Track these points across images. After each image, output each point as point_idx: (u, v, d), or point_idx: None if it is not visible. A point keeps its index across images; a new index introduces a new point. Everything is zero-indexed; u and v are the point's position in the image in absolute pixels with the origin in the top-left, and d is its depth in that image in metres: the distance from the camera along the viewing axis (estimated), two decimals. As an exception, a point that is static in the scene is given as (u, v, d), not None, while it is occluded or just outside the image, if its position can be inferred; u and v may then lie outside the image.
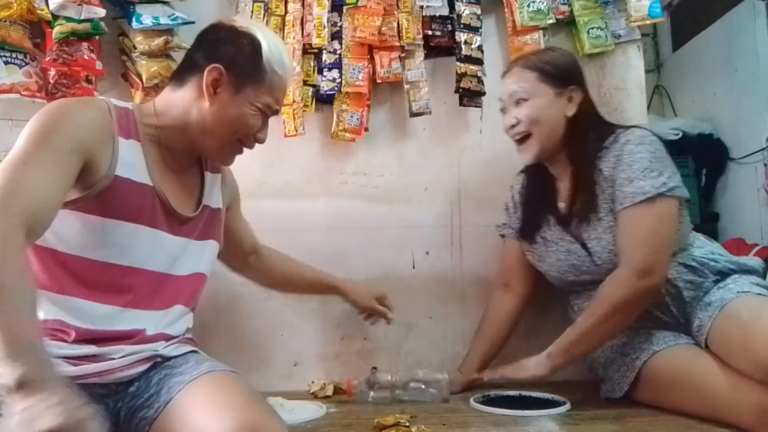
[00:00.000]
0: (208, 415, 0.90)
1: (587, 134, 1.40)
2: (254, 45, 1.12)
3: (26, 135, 0.96)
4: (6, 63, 1.50)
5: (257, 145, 1.19)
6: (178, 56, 1.61)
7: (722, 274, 1.35)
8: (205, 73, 1.09)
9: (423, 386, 1.43)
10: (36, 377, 0.74)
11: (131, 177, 1.06)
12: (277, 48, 1.15)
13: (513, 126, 1.42)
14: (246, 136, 1.15)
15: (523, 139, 1.42)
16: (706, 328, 1.26)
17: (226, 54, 1.11)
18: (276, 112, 1.19)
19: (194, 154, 1.20)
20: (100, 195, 1.02)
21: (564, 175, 1.45)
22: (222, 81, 1.10)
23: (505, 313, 1.58)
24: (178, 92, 1.14)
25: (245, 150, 1.19)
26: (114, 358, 1.02)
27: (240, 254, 1.44)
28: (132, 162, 1.07)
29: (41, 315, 0.99)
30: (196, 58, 1.13)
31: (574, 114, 1.40)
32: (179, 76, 1.15)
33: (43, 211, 0.91)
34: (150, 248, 1.09)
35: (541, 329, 1.68)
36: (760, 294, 1.28)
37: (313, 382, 1.54)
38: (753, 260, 1.43)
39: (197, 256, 1.18)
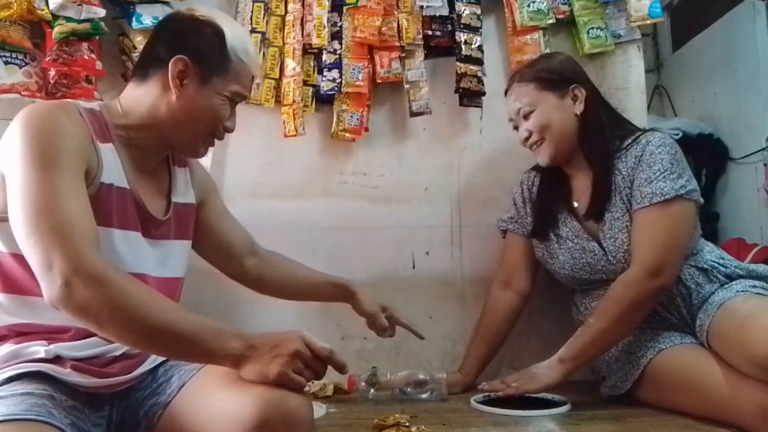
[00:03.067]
0: (229, 394, 0.91)
1: (602, 128, 1.42)
2: (217, 34, 1.09)
3: (31, 159, 0.92)
4: (6, 63, 1.50)
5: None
6: (178, 56, 1.61)
7: (730, 278, 1.36)
8: (170, 65, 1.06)
9: (422, 386, 1.43)
10: (245, 348, 0.90)
11: (113, 182, 1.04)
12: (241, 36, 1.13)
13: (527, 138, 1.44)
14: (216, 127, 1.13)
15: (537, 144, 1.43)
16: (706, 326, 1.27)
17: (190, 45, 1.08)
18: (244, 98, 1.16)
19: (164, 152, 1.17)
20: None
21: (580, 173, 1.46)
22: (188, 72, 1.07)
23: (506, 312, 1.57)
24: (142, 88, 1.10)
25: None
26: (116, 356, 1.02)
27: (235, 257, 1.34)
28: (111, 166, 1.04)
29: (40, 319, 0.99)
30: (158, 51, 1.09)
31: (584, 110, 1.42)
32: (141, 71, 1.11)
33: (96, 234, 0.94)
34: (133, 253, 1.07)
35: (541, 328, 1.68)
36: (759, 294, 1.29)
37: (313, 382, 1.54)
38: (763, 267, 1.42)
39: (176, 258, 1.17)
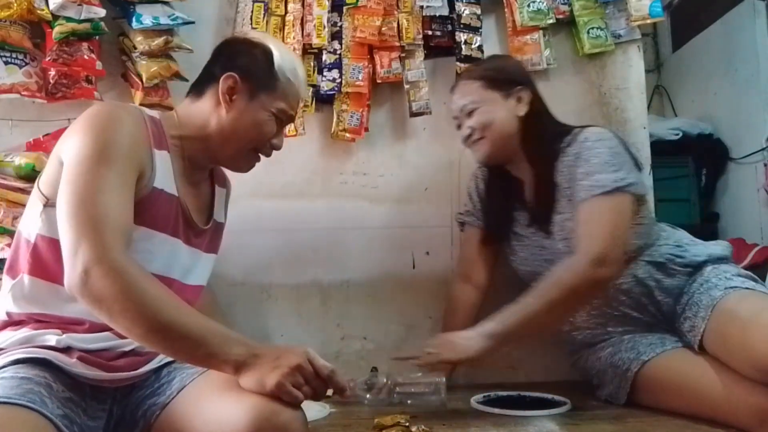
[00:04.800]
0: (226, 401, 0.93)
1: (542, 131, 1.42)
2: (266, 54, 1.18)
3: (87, 153, 0.99)
4: (6, 63, 1.50)
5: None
6: (179, 56, 1.61)
7: (692, 267, 1.34)
8: (221, 81, 1.15)
9: (420, 389, 1.43)
10: (248, 355, 0.91)
11: (164, 188, 1.10)
12: (290, 58, 1.22)
13: (469, 135, 1.44)
14: (262, 143, 1.20)
15: (473, 143, 1.44)
16: (700, 329, 1.25)
17: (241, 63, 1.17)
18: (291, 119, 1.24)
19: (209, 166, 1.24)
20: (137, 203, 1.04)
21: (528, 176, 1.45)
22: (237, 89, 1.15)
23: (468, 306, 1.56)
24: (196, 103, 1.19)
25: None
26: (125, 351, 1.04)
27: None
28: (164, 173, 1.11)
29: (58, 310, 1.03)
30: (213, 70, 1.19)
31: (526, 113, 1.42)
32: (198, 88, 1.20)
33: (129, 232, 0.99)
34: (168, 257, 1.12)
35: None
36: (749, 288, 1.27)
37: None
38: (720, 246, 1.41)
39: (203, 269, 1.24)
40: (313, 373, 0.91)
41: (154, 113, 1.16)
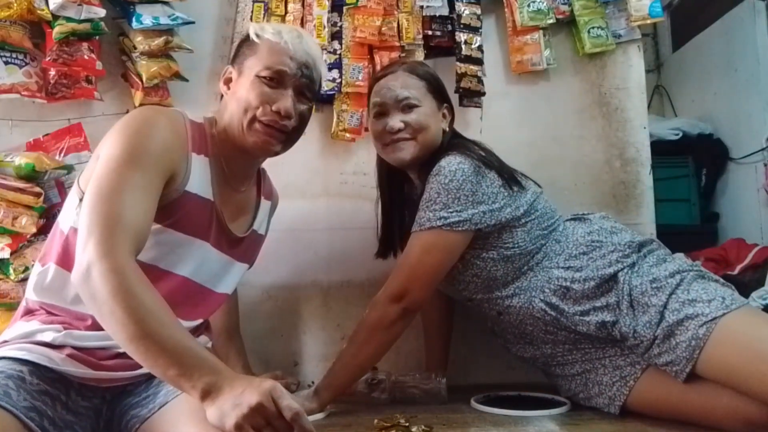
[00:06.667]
0: (189, 428, 0.93)
1: (443, 151, 1.37)
2: (245, 33, 1.22)
3: (117, 153, 1.01)
4: (6, 63, 1.50)
5: None
6: (178, 56, 1.61)
7: (590, 295, 1.28)
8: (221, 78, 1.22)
9: (421, 388, 1.43)
10: (213, 385, 0.87)
11: (198, 192, 1.12)
12: (268, 25, 1.23)
13: (399, 130, 1.35)
14: (264, 112, 1.14)
15: (401, 140, 1.37)
16: (685, 361, 1.17)
17: (233, 55, 1.25)
18: (287, 77, 1.16)
19: (248, 168, 1.24)
20: (166, 205, 1.06)
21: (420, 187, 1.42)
22: (231, 76, 1.20)
23: (439, 307, 1.59)
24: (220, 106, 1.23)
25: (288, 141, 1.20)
26: (119, 352, 1.03)
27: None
28: (200, 178, 1.12)
29: (66, 303, 1.06)
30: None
31: (446, 131, 1.42)
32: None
33: (143, 235, 0.99)
34: (197, 261, 1.13)
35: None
36: (746, 313, 1.21)
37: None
38: (601, 271, 1.29)
39: (233, 277, 1.25)
40: (275, 414, 0.85)
41: (200, 119, 1.19)
